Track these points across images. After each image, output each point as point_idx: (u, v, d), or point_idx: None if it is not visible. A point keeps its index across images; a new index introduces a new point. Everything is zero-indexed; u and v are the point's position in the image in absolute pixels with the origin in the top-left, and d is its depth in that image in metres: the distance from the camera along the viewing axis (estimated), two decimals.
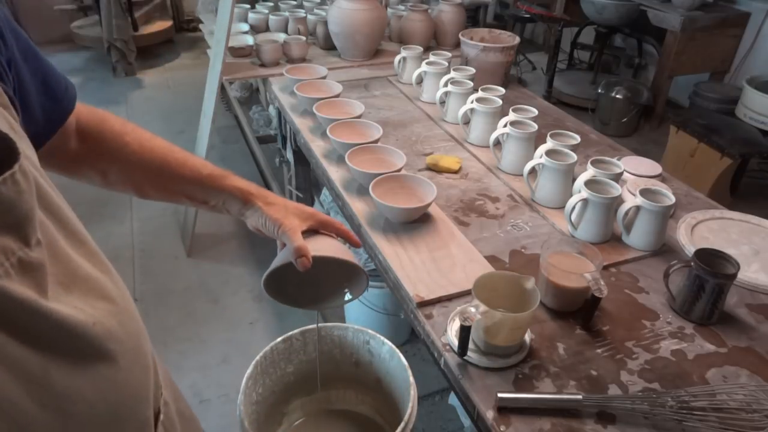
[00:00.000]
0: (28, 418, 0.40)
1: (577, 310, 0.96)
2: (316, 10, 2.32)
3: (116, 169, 0.74)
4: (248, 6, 2.42)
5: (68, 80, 0.64)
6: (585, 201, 1.08)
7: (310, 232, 0.83)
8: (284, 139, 2.00)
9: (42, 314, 0.40)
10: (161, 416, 0.59)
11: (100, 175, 0.75)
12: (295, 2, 2.50)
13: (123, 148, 0.72)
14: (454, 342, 0.87)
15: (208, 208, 0.81)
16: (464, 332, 0.83)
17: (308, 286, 0.91)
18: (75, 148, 0.70)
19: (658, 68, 3.56)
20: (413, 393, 0.96)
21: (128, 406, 0.50)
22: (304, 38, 2.06)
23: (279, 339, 1.09)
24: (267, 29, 2.29)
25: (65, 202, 0.49)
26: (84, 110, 0.71)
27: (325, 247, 0.80)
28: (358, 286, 0.87)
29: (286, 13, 2.27)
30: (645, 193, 1.08)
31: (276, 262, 0.80)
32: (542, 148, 1.24)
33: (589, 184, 1.09)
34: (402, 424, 0.90)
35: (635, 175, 1.29)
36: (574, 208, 1.10)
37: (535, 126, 1.33)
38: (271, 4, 2.51)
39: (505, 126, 1.34)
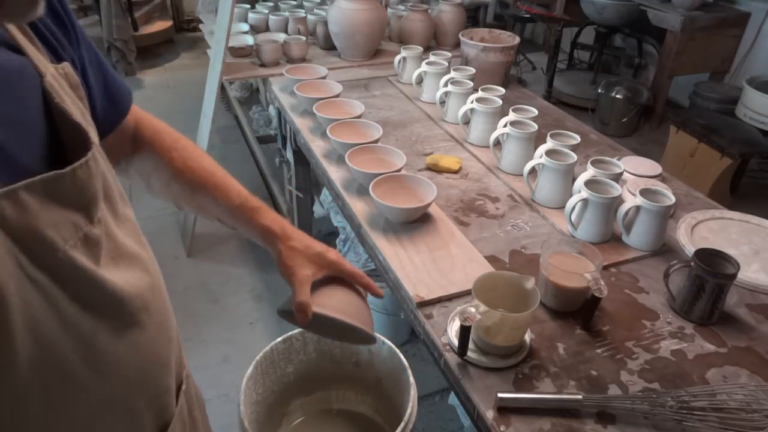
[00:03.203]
0: (73, 373, 0.46)
1: (577, 310, 0.96)
2: (316, 10, 2.32)
3: (157, 180, 0.77)
4: (248, 6, 2.42)
5: (125, 85, 0.69)
6: (585, 201, 1.08)
7: (330, 278, 0.80)
8: (284, 139, 2.00)
9: (97, 282, 0.47)
10: (183, 386, 0.65)
11: (144, 181, 0.78)
12: (295, 2, 2.50)
13: (167, 163, 0.75)
14: (454, 342, 0.87)
15: (237, 233, 0.84)
16: (464, 332, 0.83)
17: (328, 323, 0.92)
18: (128, 152, 0.74)
19: (658, 68, 3.56)
20: (413, 393, 0.96)
21: (152, 373, 0.56)
22: (304, 38, 2.06)
23: (279, 339, 1.09)
24: (267, 29, 2.29)
25: (117, 185, 0.55)
26: (145, 119, 0.75)
27: (333, 302, 0.78)
28: (365, 339, 0.87)
29: (286, 13, 2.27)
30: (645, 193, 1.08)
31: (285, 304, 0.80)
32: (542, 148, 1.24)
33: (589, 184, 1.09)
34: (402, 424, 0.90)
35: (635, 175, 1.29)
36: (574, 208, 1.10)
37: (535, 126, 1.33)
38: (271, 4, 2.51)
39: (505, 126, 1.34)
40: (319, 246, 0.78)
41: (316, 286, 0.78)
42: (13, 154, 0.42)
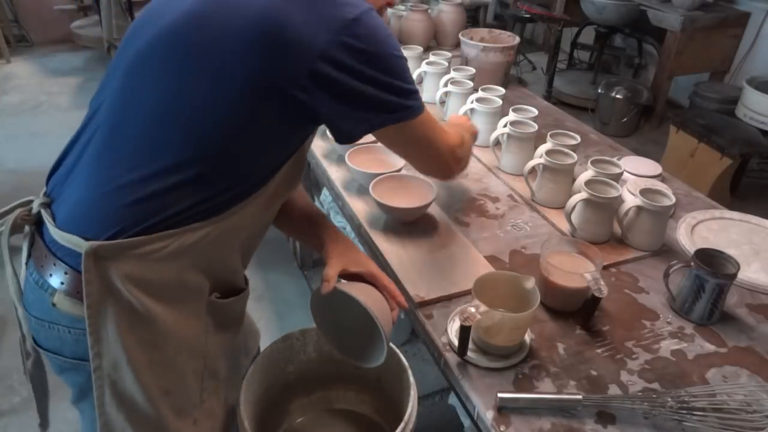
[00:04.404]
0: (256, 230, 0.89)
1: (577, 310, 0.96)
2: None
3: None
4: None
5: None
6: (585, 201, 1.08)
7: (360, 280, 0.90)
8: None
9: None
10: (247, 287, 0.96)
11: None
12: None
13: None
14: (454, 342, 0.87)
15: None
16: (464, 332, 0.83)
17: (347, 328, 0.97)
18: None
19: (658, 68, 3.56)
20: (413, 393, 0.96)
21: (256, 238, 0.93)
22: None
23: (279, 339, 1.09)
24: None
25: None
26: None
27: (356, 290, 0.85)
28: (378, 348, 0.90)
29: None
30: (645, 193, 1.08)
31: (317, 290, 0.90)
32: (542, 148, 1.24)
33: (589, 184, 1.09)
34: (402, 424, 0.90)
35: (635, 175, 1.29)
36: (574, 208, 1.10)
37: (535, 126, 1.33)
38: None
39: (505, 126, 1.34)
40: (359, 252, 0.94)
41: (349, 279, 0.90)
42: None
